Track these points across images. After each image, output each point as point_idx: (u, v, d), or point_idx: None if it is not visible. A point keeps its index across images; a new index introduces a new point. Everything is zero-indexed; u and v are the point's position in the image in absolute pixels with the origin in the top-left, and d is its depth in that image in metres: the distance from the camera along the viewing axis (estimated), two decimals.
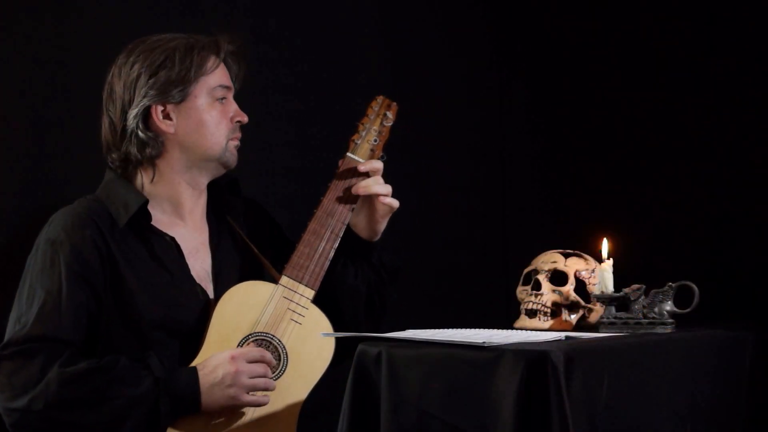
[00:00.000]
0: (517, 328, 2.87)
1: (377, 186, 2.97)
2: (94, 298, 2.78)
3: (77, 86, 3.29)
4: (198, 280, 2.90)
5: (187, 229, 2.94)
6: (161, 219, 2.91)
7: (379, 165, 3.00)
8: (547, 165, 3.92)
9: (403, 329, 2.72)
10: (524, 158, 3.99)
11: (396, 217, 3.03)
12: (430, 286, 3.77)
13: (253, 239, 3.02)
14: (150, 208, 2.88)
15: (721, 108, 3.47)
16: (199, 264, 2.93)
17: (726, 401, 2.75)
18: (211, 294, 2.90)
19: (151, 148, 2.88)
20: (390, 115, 3.06)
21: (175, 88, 2.86)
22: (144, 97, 2.85)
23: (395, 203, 3.00)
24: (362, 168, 2.99)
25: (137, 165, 2.91)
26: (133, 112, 2.86)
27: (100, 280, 2.79)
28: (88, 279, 2.78)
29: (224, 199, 3.04)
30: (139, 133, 2.86)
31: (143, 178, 2.91)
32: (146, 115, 2.87)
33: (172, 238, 2.90)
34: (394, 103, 3.08)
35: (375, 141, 3.03)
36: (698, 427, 2.64)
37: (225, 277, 2.93)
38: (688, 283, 2.73)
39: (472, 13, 4.00)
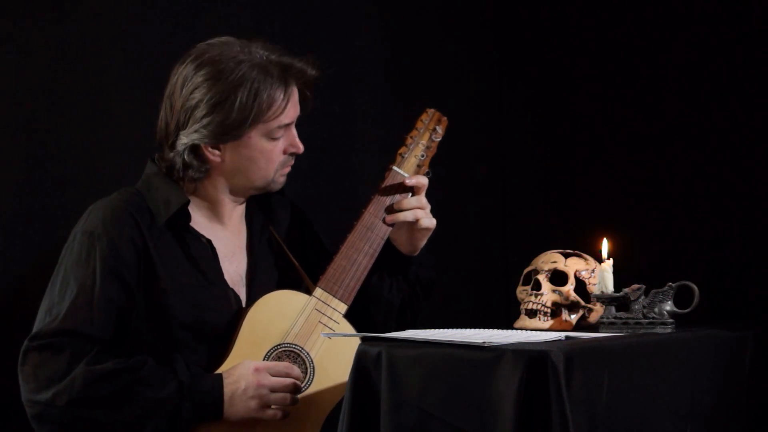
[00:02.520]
0: (517, 328, 2.86)
1: (409, 212, 2.94)
2: (127, 294, 2.77)
3: (78, 86, 3.29)
4: (231, 284, 2.89)
5: (225, 232, 2.93)
6: (199, 220, 2.89)
7: (424, 181, 2.97)
8: (547, 165, 3.92)
9: (403, 329, 2.72)
10: (524, 158, 3.99)
11: None
12: None
13: (292, 246, 3.00)
14: (189, 208, 2.86)
15: (721, 108, 3.47)
16: (234, 268, 2.92)
17: (726, 401, 2.75)
18: (243, 298, 2.89)
19: (195, 171, 2.85)
20: (440, 129, 3.02)
21: (228, 132, 2.80)
22: (195, 132, 2.79)
23: (431, 224, 2.98)
24: (409, 182, 2.96)
25: (180, 175, 2.87)
26: (182, 140, 2.81)
27: (134, 276, 2.78)
28: (123, 275, 2.77)
29: (267, 204, 3.01)
30: (185, 157, 2.83)
31: (185, 185, 2.89)
32: (195, 145, 2.82)
33: (209, 241, 2.88)
34: (445, 118, 3.03)
35: (422, 156, 3.00)
36: (698, 427, 2.64)
37: (259, 283, 2.91)
38: (688, 283, 2.73)
39: (473, 13, 4.00)
